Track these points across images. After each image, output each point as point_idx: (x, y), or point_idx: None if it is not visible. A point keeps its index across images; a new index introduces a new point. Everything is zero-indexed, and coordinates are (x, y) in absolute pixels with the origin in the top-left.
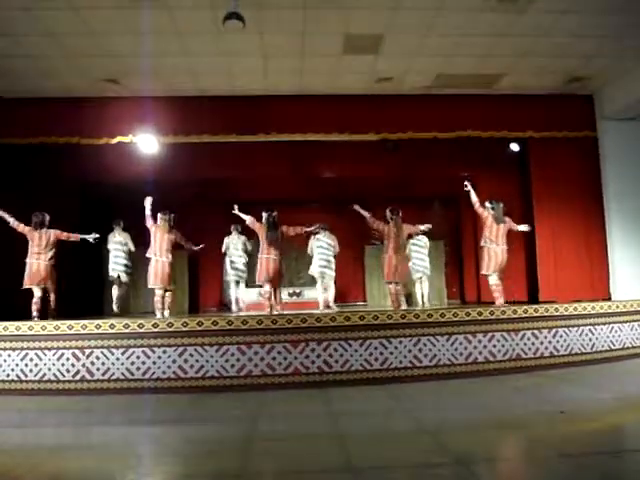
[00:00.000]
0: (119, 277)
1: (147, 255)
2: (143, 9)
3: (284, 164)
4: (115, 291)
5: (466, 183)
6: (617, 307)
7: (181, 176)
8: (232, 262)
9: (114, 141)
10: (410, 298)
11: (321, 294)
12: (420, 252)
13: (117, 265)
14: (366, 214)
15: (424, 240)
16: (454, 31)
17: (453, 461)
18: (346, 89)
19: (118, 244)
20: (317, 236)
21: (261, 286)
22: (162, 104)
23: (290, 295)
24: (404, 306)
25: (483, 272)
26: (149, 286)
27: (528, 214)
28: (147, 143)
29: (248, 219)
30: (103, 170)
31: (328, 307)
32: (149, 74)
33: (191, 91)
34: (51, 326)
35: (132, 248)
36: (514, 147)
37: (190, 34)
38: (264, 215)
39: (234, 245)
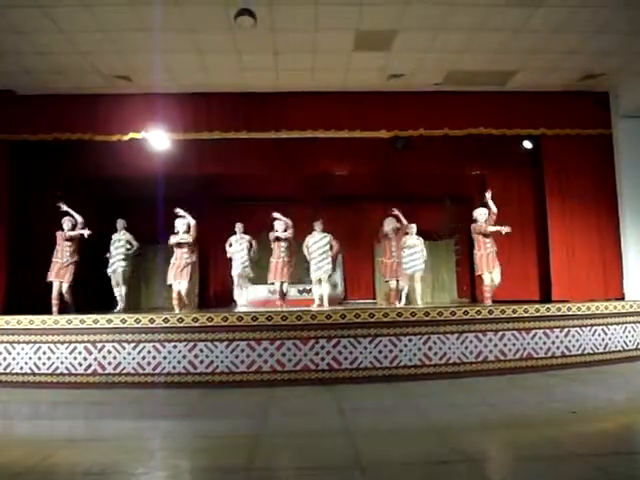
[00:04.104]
0: (116, 275)
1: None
2: (155, 6)
3: (295, 161)
4: (116, 290)
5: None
6: (631, 307)
7: (192, 173)
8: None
9: (126, 137)
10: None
11: (325, 290)
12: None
13: (114, 264)
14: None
15: (411, 240)
16: (467, 27)
17: (463, 459)
18: (357, 86)
19: (117, 242)
20: (313, 233)
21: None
22: (173, 101)
23: (300, 292)
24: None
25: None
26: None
27: (541, 212)
28: (159, 140)
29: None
30: (116, 166)
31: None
32: (161, 71)
33: (202, 88)
34: (63, 320)
35: (135, 244)
36: (527, 145)
37: (201, 31)
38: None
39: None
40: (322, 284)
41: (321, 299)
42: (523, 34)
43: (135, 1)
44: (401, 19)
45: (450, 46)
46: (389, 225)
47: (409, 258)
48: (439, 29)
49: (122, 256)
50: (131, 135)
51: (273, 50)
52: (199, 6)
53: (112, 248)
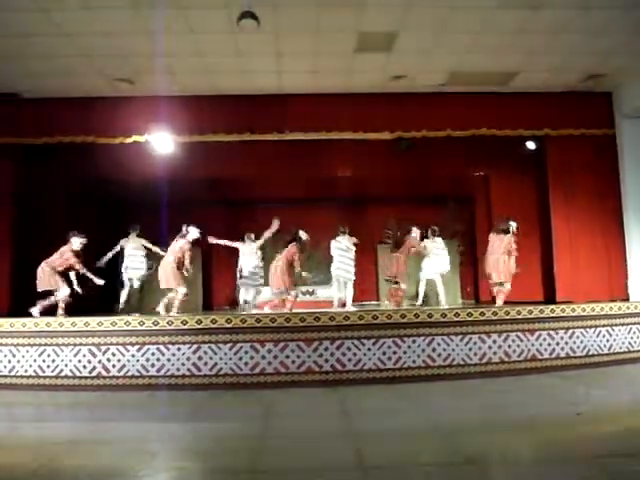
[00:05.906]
0: (131, 280)
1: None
2: (157, 9)
3: (298, 163)
4: (124, 293)
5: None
6: (635, 307)
7: (194, 175)
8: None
9: (129, 140)
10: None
11: (336, 293)
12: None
13: (132, 270)
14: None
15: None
16: (469, 28)
17: (466, 462)
18: (360, 87)
19: (134, 249)
20: (337, 238)
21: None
22: (176, 103)
23: (303, 294)
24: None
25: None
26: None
27: (545, 213)
28: (162, 142)
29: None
30: (119, 169)
31: (343, 306)
32: (163, 74)
33: (205, 90)
34: (68, 323)
35: (153, 248)
36: (530, 145)
37: (204, 34)
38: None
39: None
40: (347, 287)
41: (341, 302)
42: (525, 35)
43: (138, 4)
44: (403, 21)
45: (452, 47)
46: (414, 233)
47: (431, 262)
48: (441, 31)
49: (141, 270)
50: (134, 138)
51: (276, 52)
52: (202, 9)
53: (125, 255)
